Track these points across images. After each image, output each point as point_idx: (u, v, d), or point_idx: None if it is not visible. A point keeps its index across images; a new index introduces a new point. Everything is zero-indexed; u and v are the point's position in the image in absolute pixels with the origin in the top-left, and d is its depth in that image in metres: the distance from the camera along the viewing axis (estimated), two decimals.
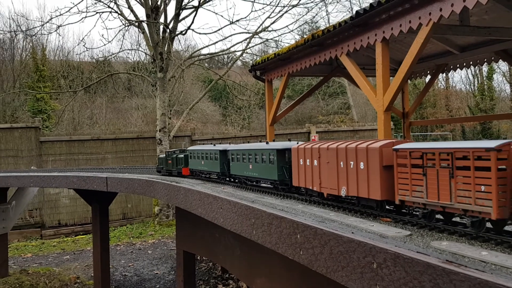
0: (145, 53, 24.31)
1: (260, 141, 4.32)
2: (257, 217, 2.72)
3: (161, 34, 15.52)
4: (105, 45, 33.55)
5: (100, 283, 8.65)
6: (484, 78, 38.81)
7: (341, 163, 2.68)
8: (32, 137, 15.67)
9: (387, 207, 2.23)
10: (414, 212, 2.16)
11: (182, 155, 6.19)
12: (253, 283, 4.76)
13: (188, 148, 6.27)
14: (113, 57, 23.57)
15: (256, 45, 47.18)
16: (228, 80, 24.91)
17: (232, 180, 4.67)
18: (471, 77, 41.33)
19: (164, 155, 7.01)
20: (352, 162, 2.58)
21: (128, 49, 33.18)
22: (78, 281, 9.75)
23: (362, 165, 2.47)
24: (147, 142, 17.22)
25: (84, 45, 43.68)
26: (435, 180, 1.94)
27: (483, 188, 1.75)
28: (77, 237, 15.32)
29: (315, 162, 2.94)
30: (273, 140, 12.17)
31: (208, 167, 5.17)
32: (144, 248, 13.26)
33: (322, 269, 2.03)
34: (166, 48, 15.75)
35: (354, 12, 7.67)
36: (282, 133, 19.06)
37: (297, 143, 3.47)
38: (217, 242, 5.67)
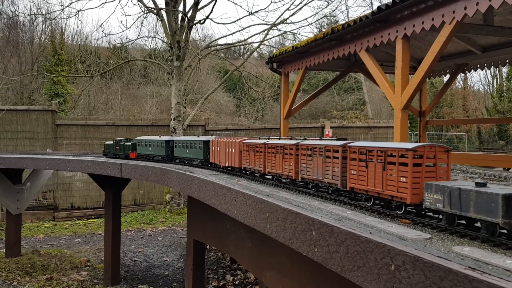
0: (162, 41, 24.37)
1: (194, 135, 6.35)
2: (272, 211, 2.70)
3: (179, 23, 15.51)
4: (123, 31, 33.79)
5: (110, 267, 8.75)
6: (504, 79, 38.14)
7: (227, 149, 4.97)
8: (48, 120, 15.85)
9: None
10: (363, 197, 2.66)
11: (130, 143, 8.09)
12: (262, 275, 4.76)
13: (136, 138, 8.28)
14: (131, 43, 23.63)
15: (273, 37, 46.98)
16: (244, 72, 24.86)
17: (175, 160, 6.86)
18: (490, 78, 40.68)
19: (112, 142, 8.74)
20: (231, 149, 4.83)
21: (146, 36, 33.29)
22: (88, 264, 9.89)
23: (233, 150, 4.76)
24: (161, 130, 17.29)
25: (102, 31, 43.78)
26: (373, 172, 2.53)
27: (403, 179, 2.30)
28: (89, 220, 15.52)
29: (219, 149, 5.26)
30: (268, 137, 12.19)
31: (155, 152, 7.24)
32: (154, 235, 13.38)
33: (337, 267, 2.01)
34: (183, 36, 15.74)
35: (374, 7, 7.59)
36: (296, 126, 18.98)
37: (214, 137, 5.74)
38: (228, 233, 5.68)
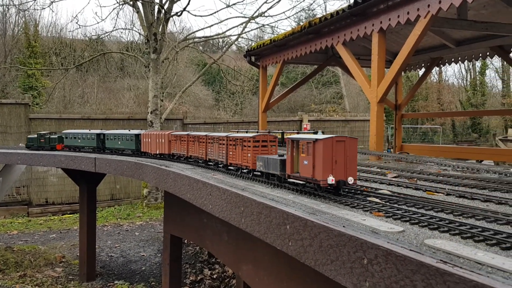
0: (139, 33, 23.96)
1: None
2: (247, 205, 2.67)
3: (156, 15, 15.27)
4: (98, 23, 33.02)
5: (85, 263, 8.61)
6: (477, 73, 38.95)
7: (158, 140, 5.92)
8: (22, 114, 15.44)
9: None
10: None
11: (56, 136, 8.52)
12: (239, 269, 4.75)
13: (63, 131, 8.71)
14: (106, 36, 23.17)
15: (252, 30, 46.78)
16: (222, 65, 24.69)
17: (105, 151, 7.43)
18: (464, 72, 41.49)
19: (36, 136, 9.00)
20: (161, 140, 5.80)
21: (122, 28, 32.68)
22: (63, 260, 9.70)
23: (163, 141, 5.77)
24: (138, 124, 17.05)
25: (76, 22, 42.75)
26: (240, 152, 3.85)
27: (249, 155, 3.71)
28: (64, 216, 15.22)
29: (150, 140, 6.19)
30: (224, 130, 12.18)
31: (85, 144, 7.84)
32: (131, 230, 13.23)
33: (311, 261, 1.99)
34: (160, 29, 15.51)
35: (351, 1, 7.59)
36: (275, 120, 18.99)
37: (144, 131, 6.57)
38: (205, 227, 5.64)
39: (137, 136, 6.59)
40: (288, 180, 2.96)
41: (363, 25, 7.91)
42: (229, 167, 4.10)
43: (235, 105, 37.53)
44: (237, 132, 11.75)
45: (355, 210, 2.19)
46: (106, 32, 30.18)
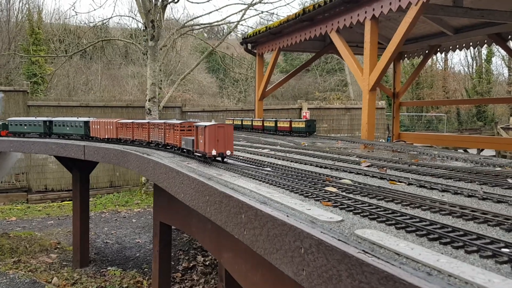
0: (136, 20, 23.87)
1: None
2: (211, 194, 2.69)
3: (153, 1, 15.18)
4: (95, 10, 32.71)
5: (78, 250, 8.70)
6: (483, 61, 38.51)
7: (106, 126, 6.78)
8: (20, 101, 15.49)
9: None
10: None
11: (0, 123, 9.07)
12: (221, 257, 4.79)
13: (8, 119, 9.08)
14: (105, 22, 23.08)
15: (251, 17, 46.41)
16: (222, 52, 24.57)
17: (51, 136, 8.31)
18: (470, 60, 41.05)
19: None
20: (110, 126, 6.66)
21: (120, 15, 32.49)
22: (58, 246, 9.81)
23: (111, 127, 6.65)
24: (137, 112, 17.06)
25: (73, 9, 42.43)
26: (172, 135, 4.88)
27: (177, 136, 4.74)
28: (63, 202, 15.35)
29: (99, 126, 6.99)
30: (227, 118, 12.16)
31: (31, 130, 8.46)
32: (128, 217, 13.33)
33: (261, 250, 2.01)
34: (158, 16, 15.43)
35: None
36: (274, 108, 18.93)
37: (93, 119, 7.45)
38: (191, 215, 5.68)
39: (86, 123, 7.51)
40: (195, 153, 4.16)
41: (356, 12, 7.84)
42: (167, 147, 5.18)
43: (239, 93, 37.40)
44: (233, 120, 11.75)
45: (307, 200, 2.20)
46: (104, 19, 30.01)
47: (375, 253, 1.32)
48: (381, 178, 2.85)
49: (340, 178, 2.77)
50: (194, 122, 4.50)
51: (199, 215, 5.49)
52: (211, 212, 2.74)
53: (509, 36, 9.81)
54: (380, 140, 17.47)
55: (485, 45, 10.80)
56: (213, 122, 3.83)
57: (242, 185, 2.55)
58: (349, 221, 1.74)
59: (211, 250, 5.23)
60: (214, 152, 3.71)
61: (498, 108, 36.75)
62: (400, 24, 7.14)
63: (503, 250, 1.32)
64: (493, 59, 39.27)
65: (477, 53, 38.78)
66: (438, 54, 12.49)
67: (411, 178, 2.72)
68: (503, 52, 38.11)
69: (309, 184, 2.57)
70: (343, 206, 2.00)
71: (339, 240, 1.46)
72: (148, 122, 5.69)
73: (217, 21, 19.33)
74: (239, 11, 18.02)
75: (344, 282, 1.37)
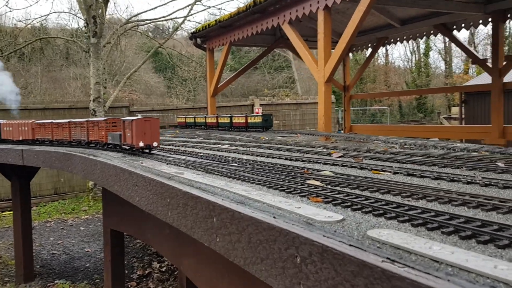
0: (76, 17, 22.68)
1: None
2: (172, 196, 2.31)
3: None
4: (31, 5, 30.52)
5: (22, 263, 7.98)
6: (421, 55, 40.10)
7: (20, 128, 6.66)
8: None
9: None
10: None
11: None
12: (181, 264, 4.41)
13: None
14: (43, 20, 21.70)
15: (198, 12, 45.70)
16: (170, 49, 23.88)
17: None
18: (409, 54, 42.63)
19: None
20: (25, 128, 6.55)
21: (59, 11, 30.78)
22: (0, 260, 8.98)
23: (26, 128, 6.54)
24: (81, 113, 16.11)
25: (6, 4, 39.69)
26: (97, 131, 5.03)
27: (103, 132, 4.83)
28: (4, 213, 14.20)
29: (11, 128, 6.85)
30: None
31: None
32: (76, 225, 12.51)
33: (240, 260, 1.67)
34: (100, 11, 14.62)
35: None
36: (226, 105, 18.62)
37: (3, 121, 7.35)
38: (146, 220, 5.24)
39: None
40: (122, 146, 4.40)
41: (309, 3, 7.65)
42: (90, 144, 5.21)
43: (188, 92, 36.66)
44: (185, 118, 11.27)
45: (291, 196, 1.88)
46: (43, 15, 28.33)
47: (406, 262, 1.02)
48: (362, 168, 2.60)
49: (319, 170, 2.48)
50: (119, 118, 4.74)
51: (155, 220, 5.06)
52: (174, 217, 2.37)
53: (454, 26, 10.02)
54: (339, 131, 17.59)
55: (431, 35, 11.00)
56: (139, 117, 4.05)
57: (210, 184, 2.20)
58: (352, 220, 1.44)
59: (170, 257, 4.82)
60: (141, 144, 3.95)
61: (437, 100, 38.38)
62: (350, 17, 7.04)
63: None
64: (431, 53, 41.04)
65: (416, 47, 40.32)
66: (380, 49, 12.67)
67: (394, 167, 2.48)
68: (440, 46, 39.91)
69: (288, 178, 2.26)
70: (336, 202, 1.71)
71: (351, 245, 1.16)
72: (69, 121, 5.79)
73: (163, 17, 18.67)
74: (186, 6, 17.49)
75: None
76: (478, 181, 2.00)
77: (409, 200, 1.73)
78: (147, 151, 4.09)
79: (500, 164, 2.42)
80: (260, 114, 8.27)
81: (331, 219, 1.44)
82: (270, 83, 38.97)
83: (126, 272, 8.24)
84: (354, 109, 35.80)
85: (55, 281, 8.12)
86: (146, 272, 8.27)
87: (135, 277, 8.10)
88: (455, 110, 22.96)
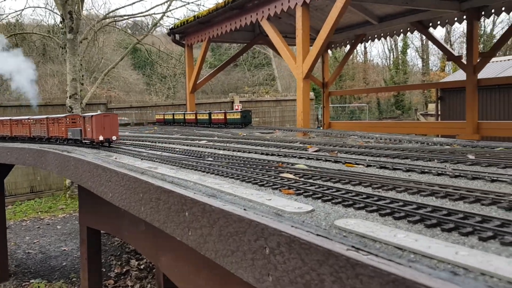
0: (53, 12, 22.25)
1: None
2: (145, 191, 2.28)
3: None
4: (5, 0, 29.73)
5: None
6: (399, 53, 40.63)
7: None
8: None
9: None
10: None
11: None
12: (158, 261, 4.37)
13: None
14: (18, 15, 21.20)
15: (177, 8, 45.27)
16: (149, 46, 23.62)
17: None
18: (387, 52, 43.14)
19: None
20: None
21: (35, 7, 30.08)
22: None
23: None
24: (57, 110, 15.82)
25: None
26: (57, 127, 5.27)
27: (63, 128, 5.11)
28: None
29: None
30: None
31: None
32: (53, 223, 12.30)
33: (211, 253, 1.66)
34: (76, 6, 14.35)
35: None
36: (206, 102, 18.54)
37: None
38: (122, 217, 5.17)
39: None
40: (83, 141, 4.63)
41: None
42: (51, 140, 5.37)
43: (168, 89, 36.33)
44: (163, 115, 11.17)
45: (263, 188, 1.88)
46: (16, 11, 27.68)
47: (370, 249, 1.02)
48: (336, 162, 2.62)
49: (293, 164, 2.49)
50: (78, 114, 5.11)
51: (131, 217, 5.00)
52: (147, 212, 2.34)
53: (430, 24, 10.17)
54: (318, 127, 17.68)
55: (408, 33, 11.15)
56: (99, 112, 4.38)
57: (184, 178, 2.18)
58: (322, 211, 1.44)
59: (147, 254, 4.77)
60: (101, 138, 4.23)
61: (414, 97, 38.98)
62: (328, 13, 7.06)
63: None
64: (408, 50, 41.62)
65: (393, 45, 40.84)
66: (359, 47, 12.79)
67: (368, 160, 2.50)
68: (417, 44, 40.50)
69: (262, 172, 2.26)
70: (308, 193, 1.71)
71: (318, 235, 1.16)
72: (29, 118, 5.97)
73: (141, 12, 18.44)
74: (165, 2, 17.31)
75: None
76: (448, 173, 2.04)
77: (379, 191, 1.74)
78: (107, 144, 4.36)
79: (471, 157, 2.47)
80: (239, 110, 8.26)
81: (301, 210, 1.44)
82: (250, 80, 38.95)
83: (104, 270, 8.14)
84: (334, 106, 36.10)
85: (31, 281, 7.96)
86: (124, 270, 8.18)
87: (112, 275, 8.00)
88: (431, 107, 23.35)
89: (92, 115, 4.28)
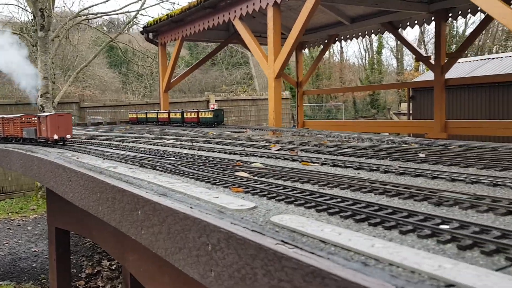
0: (24, 9, 21.76)
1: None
2: (102, 190, 2.30)
3: None
4: None
5: None
6: (375, 53, 41.19)
7: None
8: None
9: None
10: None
11: None
12: (125, 260, 4.37)
13: None
14: None
15: (151, 6, 44.79)
16: (124, 44, 23.36)
17: None
18: (363, 52, 43.67)
19: None
20: None
21: (5, 4, 29.38)
22: None
23: None
24: (28, 109, 15.50)
25: None
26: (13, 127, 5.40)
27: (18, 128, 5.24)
28: None
29: None
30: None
31: None
32: (23, 224, 12.07)
33: (162, 251, 1.69)
34: (47, 4, 14.08)
35: None
36: (181, 101, 18.49)
37: None
38: (89, 217, 5.12)
39: None
40: (38, 140, 4.79)
41: None
42: (6, 139, 5.54)
43: (144, 88, 35.90)
44: (136, 114, 11.08)
45: (214, 187, 1.92)
46: None
47: (297, 243, 1.08)
48: (293, 160, 2.68)
49: (251, 163, 2.54)
50: (33, 114, 5.30)
51: (98, 216, 4.98)
52: (104, 212, 2.35)
53: (400, 24, 10.38)
54: (293, 126, 17.80)
55: (379, 33, 11.34)
56: (53, 112, 4.69)
57: (139, 177, 2.20)
58: (263, 207, 1.49)
59: (114, 254, 4.75)
60: (56, 136, 4.48)
61: (389, 96, 39.60)
62: (299, 13, 7.15)
63: (442, 226, 1.16)
64: (383, 50, 42.22)
65: (369, 45, 41.37)
66: (335, 47, 12.95)
67: (324, 158, 2.57)
68: (392, 44, 41.15)
69: (218, 170, 2.30)
70: (255, 191, 1.76)
71: (252, 230, 1.20)
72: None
73: (115, 10, 18.22)
74: (138, 0, 17.14)
75: (260, 282, 1.12)
76: (394, 170, 2.12)
77: (324, 189, 1.80)
78: (61, 142, 4.60)
79: (421, 155, 2.56)
80: (212, 109, 8.27)
81: (244, 207, 1.48)
82: (228, 79, 38.84)
83: (75, 271, 8.05)
84: (311, 105, 36.37)
85: None
86: (95, 270, 8.11)
87: (83, 276, 7.92)
88: (404, 106, 23.79)
89: (46, 115, 4.56)
